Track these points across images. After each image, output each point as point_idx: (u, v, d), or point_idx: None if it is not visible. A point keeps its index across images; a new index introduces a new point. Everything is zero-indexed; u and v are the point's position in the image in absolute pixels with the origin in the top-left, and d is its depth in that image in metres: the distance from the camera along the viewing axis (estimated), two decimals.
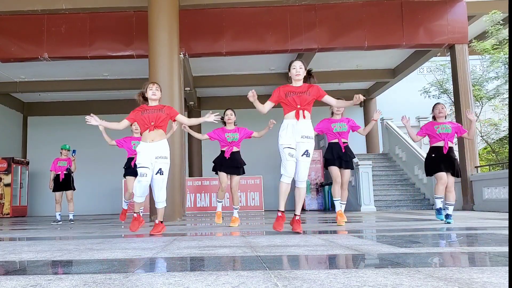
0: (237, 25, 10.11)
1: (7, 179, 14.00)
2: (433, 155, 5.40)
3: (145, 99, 4.67)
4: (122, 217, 7.71)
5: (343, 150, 5.53)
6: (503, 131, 12.69)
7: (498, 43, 11.06)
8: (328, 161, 5.63)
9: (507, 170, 8.76)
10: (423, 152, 12.52)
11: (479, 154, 11.60)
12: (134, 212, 4.76)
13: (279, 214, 4.24)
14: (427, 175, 5.60)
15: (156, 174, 4.43)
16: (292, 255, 2.56)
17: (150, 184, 4.53)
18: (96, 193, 15.48)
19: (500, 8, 10.18)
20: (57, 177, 8.48)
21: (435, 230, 4.32)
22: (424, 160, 5.69)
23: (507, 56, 10.74)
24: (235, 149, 5.69)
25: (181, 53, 9.53)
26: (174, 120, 4.69)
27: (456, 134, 5.45)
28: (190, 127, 5.64)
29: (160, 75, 8.31)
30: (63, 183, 8.45)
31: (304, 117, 4.16)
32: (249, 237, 3.90)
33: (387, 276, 1.79)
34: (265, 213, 11.51)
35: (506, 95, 11.95)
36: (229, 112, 5.74)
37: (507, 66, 11.18)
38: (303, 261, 2.38)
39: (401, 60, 13.18)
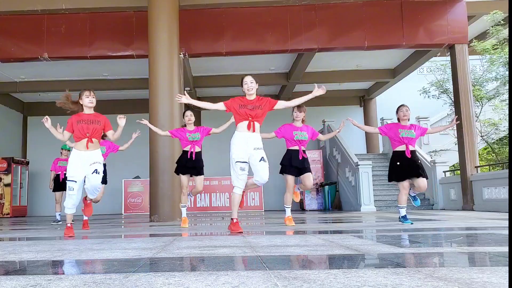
0: (237, 25, 10.11)
1: (7, 179, 13.99)
2: (398, 163, 5.31)
3: (74, 104, 4.78)
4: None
5: (300, 158, 5.59)
6: (503, 131, 12.69)
7: (498, 43, 11.06)
8: (283, 168, 5.74)
9: (507, 170, 8.76)
10: (423, 152, 12.54)
11: (479, 154, 11.60)
12: (67, 223, 4.81)
13: (234, 220, 4.52)
14: (389, 181, 5.55)
15: (92, 173, 4.49)
16: (292, 255, 2.56)
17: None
18: None
19: (500, 8, 10.18)
20: (57, 177, 8.48)
21: (435, 230, 4.32)
22: (421, 161, 5.65)
23: (507, 56, 10.74)
24: (197, 149, 5.80)
25: (181, 53, 9.53)
26: (105, 133, 4.76)
27: (421, 137, 5.52)
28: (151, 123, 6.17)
29: (160, 75, 8.32)
30: (63, 183, 8.43)
31: (254, 130, 4.39)
32: (249, 237, 3.90)
33: (387, 276, 1.79)
34: (265, 213, 11.51)
35: (506, 96, 11.95)
36: (188, 113, 5.87)
37: (506, 67, 11.18)
38: (303, 261, 2.38)
39: (401, 60, 13.18)
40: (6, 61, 10.41)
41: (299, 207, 14.28)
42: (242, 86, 4.50)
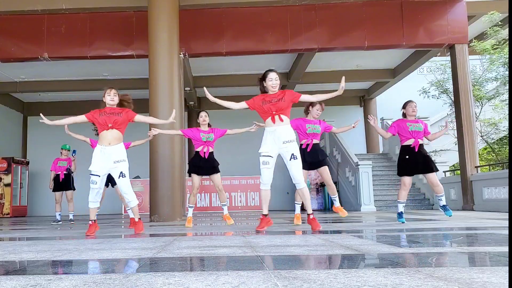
0: (237, 25, 10.11)
1: (7, 179, 14.00)
2: (407, 156, 5.38)
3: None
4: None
5: (308, 150, 5.56)
6: (503, 131, 12.68)
7: (497, 43, 11.06)
8: None
9: (507, 170, 8.76)
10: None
11: (479, 154, 11.60)
12: (90, 219, 4.79)
13: (261, 216, 4.54)
14: (398, 175, 5.62)
15: (119, 178, 4.53)
16: (292, 255, 2.56)
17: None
18: None
19: (500, 8, 10.18)
20: (57, 177, 8.48)
21: (435, 230, 4.32)
22: (398, 161, 5.68)
23: (507, 57, 10.74)
24: (209, 149, 5.83)
25: (181, 53, 9.53)
26: (133, 121, 4.74)
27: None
28: (159, 127, 6.04)
29: (160, 75, 8.32)
30: (63, 183, 8.45)
31: (281, 120, 4.32)
32: (249, 237, 3.90)
33: (387, 276, 1.79)
34: None
35: (506, 96, 11.95)
36: (203, 114, 5.92)
37: (506, 67, 11.19)
38: (303, 261, 2.38)
39: (401, 60, 13.19)
40: (6, 61, 10.41)
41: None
42: (265, 81, 4.44)
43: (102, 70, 12.87)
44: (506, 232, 3.83)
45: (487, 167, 10.94)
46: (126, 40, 10.02)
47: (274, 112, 4.31)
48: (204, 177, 6.05)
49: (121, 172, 4.51)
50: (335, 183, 12.91)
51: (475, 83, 11.76)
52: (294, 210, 5.84)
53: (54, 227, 6.83)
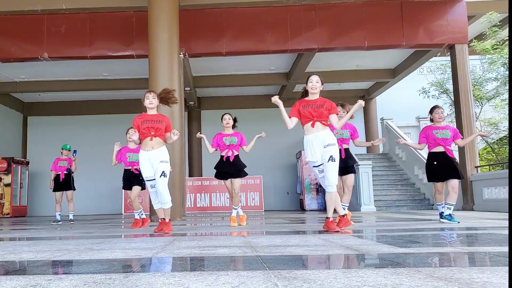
0: (237, 25, 10.11)
1: (7, 179, 13.99)
2: (435, 162, 5.39)
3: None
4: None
5: (343, 156, 5.27)
6: (503, 130, 12.68)
7: (497, 43, 11.06)
8: None
9: (507, 170, 8.76)
10: (424, 152, 12.53)
11: (479, 154, 11.60)
12: (160, 218, 4.97)
13: (330, 219, 4.37)
14: (428, 181, 5.60)
15: (160, 177, 4.69)
16: (292, 255, 2.56)
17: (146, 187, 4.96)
18: (96, 193, 15.48)
19: (500, 8, 10.19)
20: (57, 177, 8.47)
21: (435, 230, 4.32)
22: (425, 162, 5.67)
23: (506, 57, 10.74)
24: (234, 152, 5.74)
25: (181, 53, 9.53)
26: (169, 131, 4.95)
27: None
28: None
29: (160, 75, 8.31)
30: (64, 183, 8.44)
31: (321, 125, 4.28)
32: (249, 237, 3.90)
33: (387, 276, 1.79)
34: (265, 213, 11.51)
35: (506, 96, 11.95)
36: (227, 116, 5.84)
37: (506, 67, 11.19)
38: (303, 261, 2.38)
39: (401, 60, 13.18)
40: (6, 61, 10.41)
41: (299, 207, 14.29)
42: (306, 84, 4.47)
43: (102, 70, 12.86)
44: (506, 232, 3.83)
45: (487, 167, 10.94)
46: (126, 40, 10.02)
47: (315, 118, 4.29)
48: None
49: (163, 172, 4.70)
50: None
51: (475, 83, 11.76)
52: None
53: (54, 227, 6.83)
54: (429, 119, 5.68)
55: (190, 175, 15.19)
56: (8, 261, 2.60)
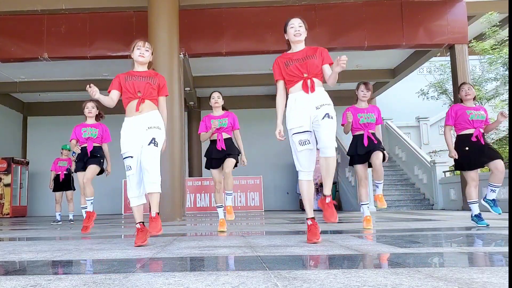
0: (237, 25, 10.11)
1: (7, 179, 13.99)
2: (466, 148, 4.64)
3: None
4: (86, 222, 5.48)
5: (366, 144, 4.76)
6: (503, 131, 12.68)
7: (496, 43, 11.06)
8: (351, 159, 4.97)
9: (507, 170, 8.74)
10: (423, 152, 12.53)
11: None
12: (136, 222, 3.47)
13: (309, 222, 3.29)
14: (456, 169, 4.98)
15: (148, 145, 3.35)
16: (292, 255, 2.56)
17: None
18: (96, 193, 15.37)
19: (500, 8, 10.19)
20: (57, 177, 8.48)
21: (435, 230, 4.32)
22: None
23: (506, 57, 10.74)
24: (225, 135, 4.81)
25: (181, 53, 9.53)
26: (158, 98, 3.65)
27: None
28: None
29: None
30: (63, 183, 8.45)
31: (313, 89, 3.26)
32: (249, 237, 3.90)
33: (387, 276, 1.79)
34: (265, 213, 11.51)
35: (506, 96, 11.95)
36: (215, 95, 4.88)
37: (506, 67, 11.18)
38: (303, 261, 2.38)
39: (401, 60, 13.18)
40: (6, 61, 10.41)
41: (299, 207, 14.28)
42: (286, 32, 3.50)
43: (102, 70, 12.85)
44: (506, 232, 3.83)
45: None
46: (126, 40, 10.00)
47: (305, 75, 3.28)
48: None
49: (153, 139, 3.37)
50: (334, 183, 13.01)
51: (474, 83, 11.76)
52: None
53: (54, 227, 6.83)
54: (459, 99, 4.96)
55: (190, 175, 15.20)
56: (8, 261, 2.60)
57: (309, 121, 3.24)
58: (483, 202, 4.74)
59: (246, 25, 10.10)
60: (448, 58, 10.70)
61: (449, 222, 5.65)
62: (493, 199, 4.69)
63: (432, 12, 10.06)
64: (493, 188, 4.66)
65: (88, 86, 3.46)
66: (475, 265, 2.16)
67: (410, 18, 10.02)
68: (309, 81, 3.26)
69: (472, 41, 11.33)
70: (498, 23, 10.69)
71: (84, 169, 5.36)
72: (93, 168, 5.30)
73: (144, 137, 3.39)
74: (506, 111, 4.65)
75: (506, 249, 2.65)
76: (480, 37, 11.64)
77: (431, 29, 10.06)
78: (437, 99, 12.89)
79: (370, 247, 2.89)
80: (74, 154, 8.54)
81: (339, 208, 12.71)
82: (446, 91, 12.56)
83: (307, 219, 3.33)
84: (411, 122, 16.20)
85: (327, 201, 3.25)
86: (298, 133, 3.24)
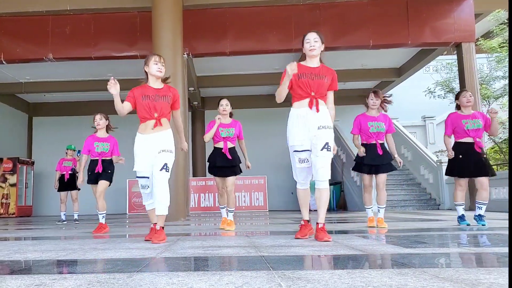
0: (241, 24, 10.10)
1: (12, 179, 14.08)
2: (460, 156, 4.75)
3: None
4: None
5: (381, 153, 4.79)
6: None
7: (504, 41, 10.98)
8: (357, 166, 5.02)
9: (507, 171, 8.67)
10: (429, 152, 12.46)
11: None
12: (152, 223, 3.83)
13: (302, 222, 3.66)
14: (446, 174, 5.02)
15: (160, 170, 3.51)
16: (296, 255, 2.54)
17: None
18: None
19: (507, 5, 10.08)
20: (62, 177, 8.52)
21: (442, 231, 4.29)
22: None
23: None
24: (229, 144, 4.92)
25: (185, 53, 9.53)
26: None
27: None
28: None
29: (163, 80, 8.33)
30: (68, 183, 8.49)
31: (318, 110, 3.39)
32: (253, 237, 3.89)
33: (392, 277, 1.78)
34: (269, 213, 11.50)
35: None
36: (224, 102, 4.95)
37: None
38: (307, 261, 2.37)
39: (406, 59, 13.11)
40: (11, 62, 10.46)
41: None
42: (303, 45, 3.58)
43: (107, 70, 12.89)
44: None
45: (495, 166, 10.85)
46: (130, 40, 10.04)
47: (313, 93, 3.40)
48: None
49: (165, 165, 3.52)
50: (340, 183, 12.98)
51: (482, 82, 11.67)
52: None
53: (59, 227, 6.86)
54: (455, 106, 4.97)
55: (194, 175, 15.22)
56: (13, 261, 2.61)
57: (309, 140, 3.42)
58: (474, 218, 4.85)
59: (249, 24, 10.09)
60: (455, 57, 10.62)
61: (456, 222, 5.60)
62: (479, 215, 4.79)
63: (438, 10, 9.98)
64: (480, 206, 4.80)
65: (112, 79, 3.51)
66: (482, 266, 2.14)
67: (416, 16, 9.95)
68: (315, 100, 3.42)
69: (479, 39, 11.24)
70: (505, 21, 10.61)
71: (96, 181, 5.51)
72: (104, 184, 5.50)
73: (156, 160, 3.55)
74: (494, 107, 4.71)
75: None
76: (487, 35, 11.54)
77: (438, 27, 9.98)
78: (444, 98, 12.80)
79: (375, 247, 2.87)
80: (78, 154, 8.59)
81: (344, 208, 12.68)
82: (453, 89, 12.48)
83: (302, 219, 3.69)
84: (417, 121, 16.11)
85: (319, 226, 3.41)
86: (298, 151, 3.46)
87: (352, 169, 5.27)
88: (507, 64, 11.27)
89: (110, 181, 5.59)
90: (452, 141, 4.96)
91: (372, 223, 4.97)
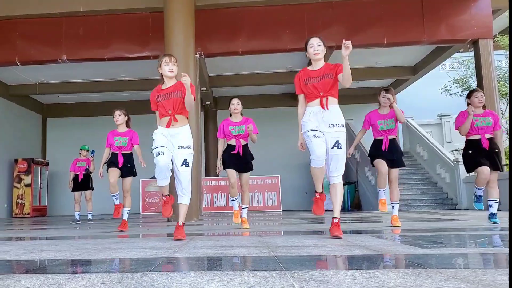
0: (253, 24, 10.09)
1: (27, 179, 14.30)
2: (470, 151, 4.92)
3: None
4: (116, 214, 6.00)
5: (386, 149, 4.91)
6: None
7: None
8: (372, 158, 5.10)
9: (507, 171, 8.47)
10: (446, 150, 12.27)
11: (505, 152, 11.28)
12: (163, 195, 4.29)
13: (317, 195, 3.85)
14: (467, 172, 5.19)
15: (181, 165, 3.83)
16: (310, 255, 2.51)
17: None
18: None
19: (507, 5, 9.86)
20: (76, 177, 8.61)
21: (458, 230, 4.21)
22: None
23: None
24: (242, 142, 5.02)
25: (197, 53, 9.55)
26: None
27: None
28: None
29: (176, 76, 8.37)
30: (82, 183, 8.57)
31: (327, 107, 3.57)
32: (266, 237, 3.87)
33: (407, 277, 1.74)
34: (283, 213, 11.46)
35: None
36: (235, 101, 5.06)
37: None
38: (321, 261, 2.34)
39: (422, 57, 12.91)
40: (26, 63, 10.64)
41: None
42: (306, 50, 3.73)
43: (120, 71, 13.02)
44: None
45: (507, 166, 10.62)
46: (143, 41, 10.11)
47: (321, 94, 3.57)
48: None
49: (185, 160, 3.81)
50: (354, 182, 12.87)
51: (500, 79, 11.44)
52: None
53: (73, 227, 6.94)
54: (466, 104, 5.02)
55: (207, 175, 15.25)
56: (28, 260, 2.64)
57: (322, 130, 3.60)
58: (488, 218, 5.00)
59: (262, 24, 10.07)
60: (472, 54, 10.42)
61: (473, 222, 5.51)
62: (491, 213, 4.93)
63: (454, 7, 9.81)
64: (491, 203, 5.01)
65: (185, 76, 3.67)
66: (499, 267, 2.08)
67: (431, 13, 9.80)
68: (324, 99, 3.59)
69: (497, 36, 11.00)
70: None
71: (117, 166, 5.59)
72: (129, 180, 5.74)
73: (176, 156, 3.85)
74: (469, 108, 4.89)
75: None
76: (506, 32, 11.29)
77: (454, 24, 9.80)
78: (460, 95, 12.60)
79: (390, 248, 2.82)
80: (92, 154, 8.68)
81: (358, 207, 12.57)
82: (470, 87, 12.27)
83: (315, 192, 3.89)
84: (432, 120, 15.88)
85: (334, 221, 3.57)
86: (312, 130, 3.58)
87: (371, 163, 5.23)
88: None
89: (134, 175, 5.78)
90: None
91: (384, 206, 5.04)
